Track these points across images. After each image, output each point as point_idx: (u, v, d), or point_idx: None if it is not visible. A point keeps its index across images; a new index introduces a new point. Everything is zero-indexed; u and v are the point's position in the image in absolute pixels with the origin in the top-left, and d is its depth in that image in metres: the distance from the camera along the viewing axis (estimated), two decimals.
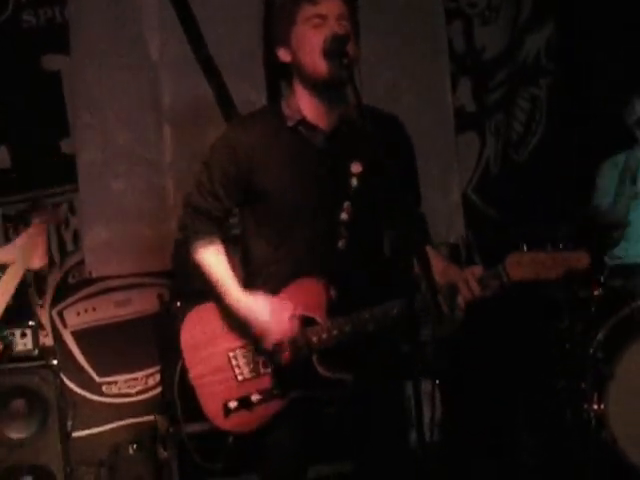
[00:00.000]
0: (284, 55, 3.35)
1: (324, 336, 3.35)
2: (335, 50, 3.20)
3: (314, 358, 3.37)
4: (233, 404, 3.37)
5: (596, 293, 4.84)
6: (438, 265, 3.28)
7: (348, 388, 3.38)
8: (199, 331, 3.43)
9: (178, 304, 4.74)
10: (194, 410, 3.43)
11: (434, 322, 3.32)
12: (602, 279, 4.86)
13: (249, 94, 5.32)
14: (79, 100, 5.33)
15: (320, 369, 3.37)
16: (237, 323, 3.40)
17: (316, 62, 3.26)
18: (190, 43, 5.47)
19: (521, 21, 5.87)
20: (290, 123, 3.36)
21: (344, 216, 3.36)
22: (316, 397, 3.40)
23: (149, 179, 5.39)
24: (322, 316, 3.37)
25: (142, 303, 5.37)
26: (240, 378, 3.38)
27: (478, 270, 3.28)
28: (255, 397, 3.37)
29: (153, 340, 5.07)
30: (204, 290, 3.48)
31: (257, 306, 3.36)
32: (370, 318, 3.33)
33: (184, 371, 3.44)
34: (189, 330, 3.44)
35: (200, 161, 3.46)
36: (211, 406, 3.39)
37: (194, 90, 5.48)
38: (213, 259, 3.44)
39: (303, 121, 3.36)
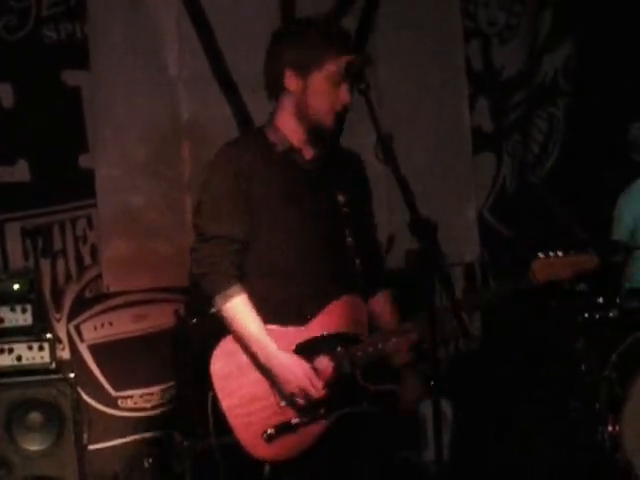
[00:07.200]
0: (290, 81, 3.42)
1: (370, 349, 3.37)
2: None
3: (358, 374, 3.38)
4: (272, 430, 3.31)
5: (611, 315, 4.86)
6: None
7: (396, 398, 3.42)
8: (232, 360, 3.36)
9: (194, 320, 4.75)
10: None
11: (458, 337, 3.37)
12: (618, 301, 4.89)
13: (266, 110, 5.33)
14: (98, 115, 5.34)
15: (367, 384, 3.38)
16: None
17: (327, 117, 3.40)
18: (208, 59, 5.49)
19: (539, 41, 5.88)
20: (280, 149, 3.44)
21: (349, 241, 3.45)
22: (362, 412, 3.38)
23: (167, 195, 5.41)
24: (364, 331, 3.43)
25: (159, 318, 5.37)
26: (283, 403, 3.34)
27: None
28: (296, 420, 3.33)
29: (169, 355, 5.09)
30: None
31: (290, 365, 3.33)
32: (412, 327, 3.37)
33: (215, 400, 3.32)
34: (221, 360, 3.36)
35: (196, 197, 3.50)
36: (248, 436, 3.30)
37: (212, 106, 5.49)
38: (241, 313, 3.36)
39: (292, 148, 3.46)
